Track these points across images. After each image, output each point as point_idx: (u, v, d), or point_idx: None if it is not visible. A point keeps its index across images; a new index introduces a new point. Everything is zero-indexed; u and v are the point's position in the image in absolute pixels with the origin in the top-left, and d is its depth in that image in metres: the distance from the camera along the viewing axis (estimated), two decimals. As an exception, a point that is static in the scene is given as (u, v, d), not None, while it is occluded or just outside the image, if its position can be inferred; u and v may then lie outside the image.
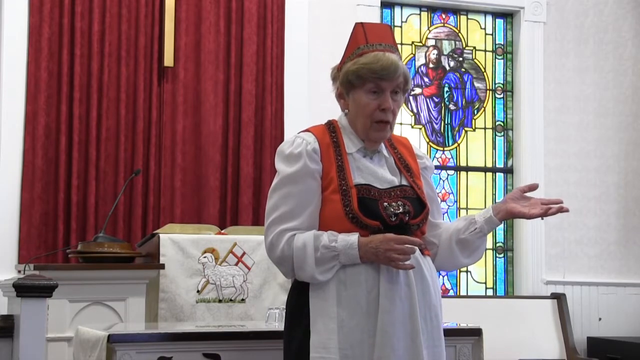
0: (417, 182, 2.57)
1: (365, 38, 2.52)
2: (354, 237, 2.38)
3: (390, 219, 2.43)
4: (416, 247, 2.40)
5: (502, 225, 6.42)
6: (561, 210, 2.49)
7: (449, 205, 6.35)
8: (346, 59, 2.53)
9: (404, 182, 2.54)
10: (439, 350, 2.46)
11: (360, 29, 2.55)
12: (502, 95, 6.53)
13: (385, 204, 2.45)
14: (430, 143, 6.32)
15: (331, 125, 2.58)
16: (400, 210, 2.45)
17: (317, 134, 2.53)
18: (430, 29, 6.40)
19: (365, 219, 2.41)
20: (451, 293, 6.24)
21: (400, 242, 2.36)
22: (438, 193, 6.31)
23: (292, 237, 2.41)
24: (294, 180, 2.45)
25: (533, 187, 2.56)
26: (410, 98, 6.31)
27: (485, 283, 6.37)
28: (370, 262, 2.39)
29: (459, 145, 6.40)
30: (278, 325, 3.18)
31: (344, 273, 2.40)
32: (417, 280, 2.42)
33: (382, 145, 2.58)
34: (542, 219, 2.53)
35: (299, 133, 2.57)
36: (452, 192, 6.37)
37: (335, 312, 2.38)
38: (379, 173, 2.51)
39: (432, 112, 6.36)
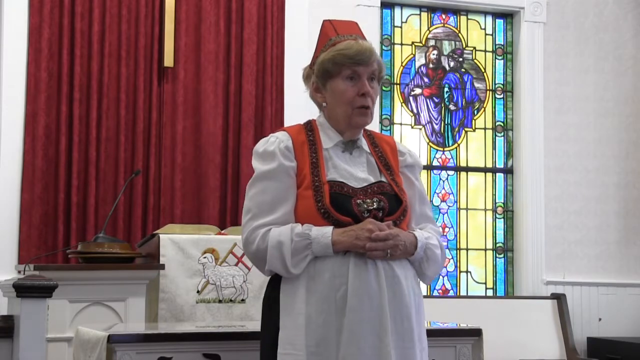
0: (396, 179, 2.54)
1: (335, 31, 2.55)
2: (328, 227, 2.38)
3: (362, 215, 2.41)
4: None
5: (502, 226, 6.43)
6: None
7: (449, 206, 6.35)
8: (319, 53, 2.54)
9: (383, 179, 2.52)
10: (411, 352, 2.39)
11: (328, 24, 2.59)
12: (502, 96, 6.53)
13: (359, 200, 2.43)
14: (430, 143, 6.32)
15: (309, 124, 2.59)
16: (375, 206, 2.43)
17: (291, 133, 2.54)
18: (430, 29, 6.40)
19: (337, 214, 2.39)
20: (451, 293, 6.24)
21: (382, 227, 2.35)
22: (438, 193, 6.31)
23: (267, 232, 2.41)
24: (268, 177, 2.45)
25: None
26: (410, 98, 6.32)
27: (485, 283, 6.36)
28: (340, 257, 2.37)
29: (459, 145, 6.40)
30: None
31: (313, 268, 2.38)
32: (388, 279, 2.38)
33: (363, 141, 2.57)
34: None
35: (274, 132, 2.58)
36: (452, 192, 6.36)
37: (304, 309, 2.36)
38: (354, 171, 2.50)
39: (432, 112, 6.36)
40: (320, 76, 2.52)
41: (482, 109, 6.48)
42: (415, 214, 2.57)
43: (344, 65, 2.47)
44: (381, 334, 2.33)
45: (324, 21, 2.61)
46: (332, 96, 2.51)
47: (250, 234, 2.43)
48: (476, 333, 3.23)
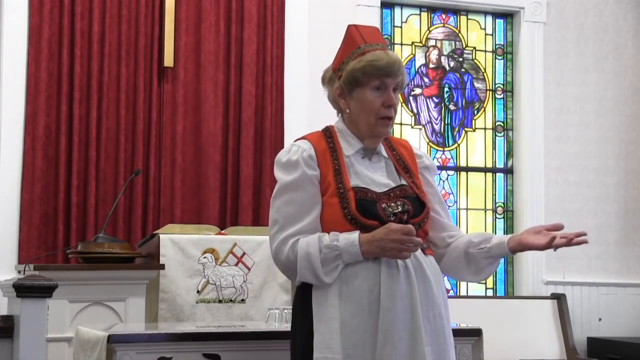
0: (416, 181, 2.59)
1: (363, 39, 2.57)
2: (354, 235, 2.41)
3: (389, 219, 2.45)
4: (419, 240, 2.42)
5: (502, 226, 6.43)
6: (570, 243, 2.42)
7: (449, 206, 6.34)
8: (345, 59, 2.56)
9: (403, 182, 2.56)
10: (444, 347, 2.47)
11: (355, 30, 2.60)
12: (502, 96, 6.53)
13: (384, 205, 2.48)
14: (430, 143, 6.32)
15: (327, 131, 2.62)
16: (399, 209, 2.48)
17: (312, 141, 2.56)
18: (430, 29, 6.40)
19: (363, 219, 2.43)
20: (451, 293, 6.24)
21: (406, 231, 2.38)
22: (438, 193, 6.31)
23: (295, 242, 2.44)
24: (293, 187, 2.49)
25: (558, 227, 2.50)
26: (410, 98, 6.32)
27: (486, 283, 6.36)
28: (371, 261, 2.42)
29: (459, 145, 6.40)
30: (278, 325, 3.19)
31: (345, 273, 2.42)
32: (418, 278, 2.44)
33: (381, 146, 2.61)
34: (555, 250, 2.45)
35: (295, 141, 2.61)
36: (452, 192, 6.37)
37: (337, 312, 2.40)
38: (375, 177, 2.54)
39: (432, 112, 6.36)
40: (347, 83, 2.54)
41: (482, 109, 6.48)
42: (439, 215, 2.64)
43: (372, 76, 2.51)
44: (415, 334, 2.39)
45: (350, 26, 2.63)
46: (358, 104, 2.54)
47: (279, 245, 2.47)
48: (476, 333, 3.23)
